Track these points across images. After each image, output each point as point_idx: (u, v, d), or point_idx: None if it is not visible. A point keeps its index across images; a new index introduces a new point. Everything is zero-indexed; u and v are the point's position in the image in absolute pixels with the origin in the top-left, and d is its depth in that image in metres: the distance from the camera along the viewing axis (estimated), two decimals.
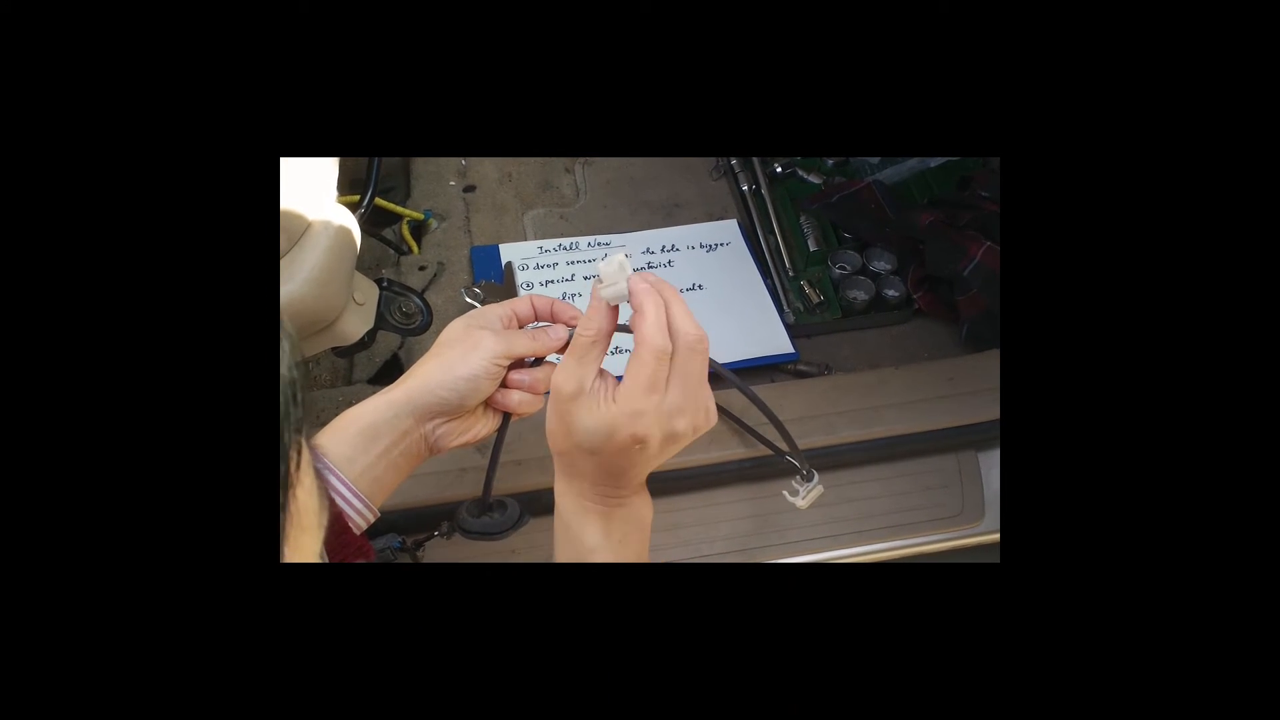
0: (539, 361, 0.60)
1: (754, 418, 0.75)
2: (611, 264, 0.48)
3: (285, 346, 0.29)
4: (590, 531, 0.52)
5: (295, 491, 0.30)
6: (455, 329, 0.58)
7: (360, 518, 0.55)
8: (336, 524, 0.53)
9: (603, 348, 0.49)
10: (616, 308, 0.49)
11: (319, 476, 0.35)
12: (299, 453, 0.30)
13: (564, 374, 0.48)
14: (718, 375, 0.57)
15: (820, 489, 0.67)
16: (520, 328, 0.60)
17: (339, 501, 0.53)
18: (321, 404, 0.86)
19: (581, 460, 0.50)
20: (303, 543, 0.32)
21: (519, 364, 0.60)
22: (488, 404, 0.59)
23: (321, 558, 0.48)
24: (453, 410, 0.56)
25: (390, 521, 0.70)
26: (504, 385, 0.59)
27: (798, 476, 0.67)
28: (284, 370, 0.29)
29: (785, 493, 0.67)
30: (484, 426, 0.59)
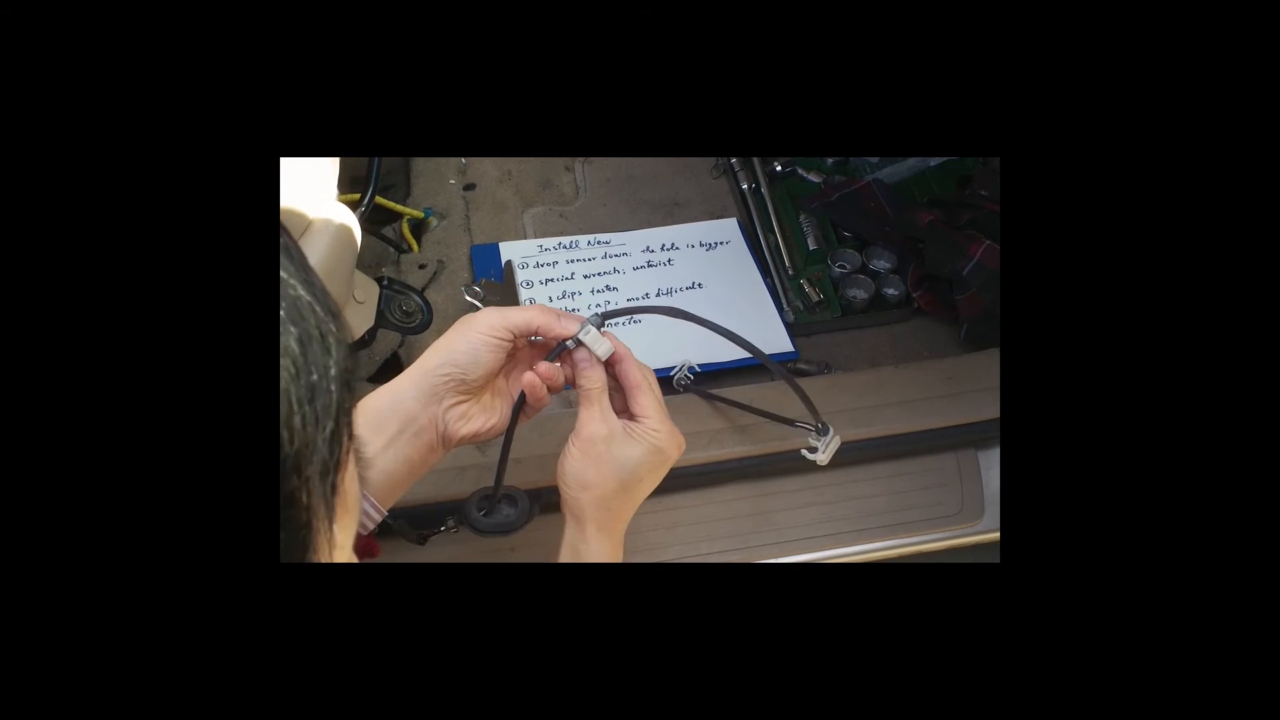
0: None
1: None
2: (592, 332, 0.58)
3: (333, 343, 0.30)
4: None
5: (343, 474, 0.31)
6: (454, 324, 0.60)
7: (365, 516, 0.55)
8: None
9: (607, 394, 0.58)
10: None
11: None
12: (350, 438, 0.31)
13: (595, 423, 0.56)
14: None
15: (838, 440, 0.67)
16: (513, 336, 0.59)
17: None
18: None
19: (621, 500, 0.57)
20: (345, 523, 0.33)
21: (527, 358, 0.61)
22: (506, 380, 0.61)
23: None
24: (458, 386, 0.57)
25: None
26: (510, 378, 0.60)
27: (813, 433, 0.67)
28: (336, 365, 0.29)
29: (804, 451, 0.67)
30: (492, 417, 0.60)
